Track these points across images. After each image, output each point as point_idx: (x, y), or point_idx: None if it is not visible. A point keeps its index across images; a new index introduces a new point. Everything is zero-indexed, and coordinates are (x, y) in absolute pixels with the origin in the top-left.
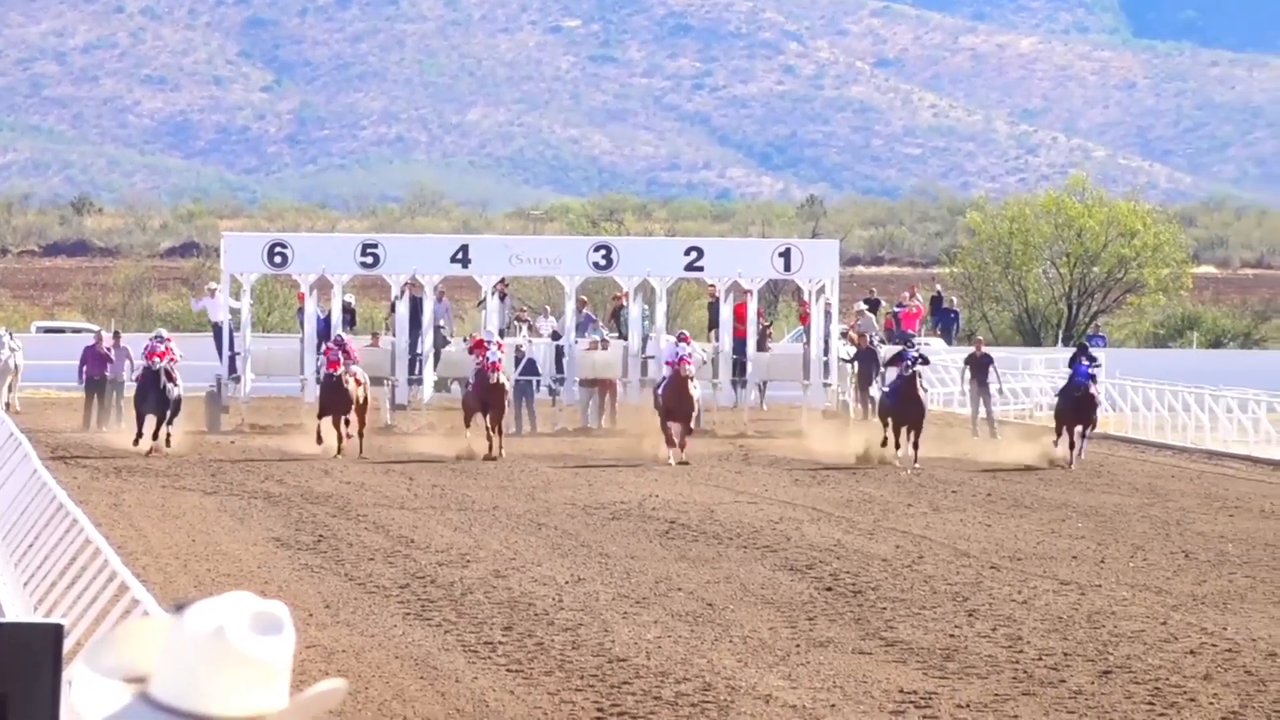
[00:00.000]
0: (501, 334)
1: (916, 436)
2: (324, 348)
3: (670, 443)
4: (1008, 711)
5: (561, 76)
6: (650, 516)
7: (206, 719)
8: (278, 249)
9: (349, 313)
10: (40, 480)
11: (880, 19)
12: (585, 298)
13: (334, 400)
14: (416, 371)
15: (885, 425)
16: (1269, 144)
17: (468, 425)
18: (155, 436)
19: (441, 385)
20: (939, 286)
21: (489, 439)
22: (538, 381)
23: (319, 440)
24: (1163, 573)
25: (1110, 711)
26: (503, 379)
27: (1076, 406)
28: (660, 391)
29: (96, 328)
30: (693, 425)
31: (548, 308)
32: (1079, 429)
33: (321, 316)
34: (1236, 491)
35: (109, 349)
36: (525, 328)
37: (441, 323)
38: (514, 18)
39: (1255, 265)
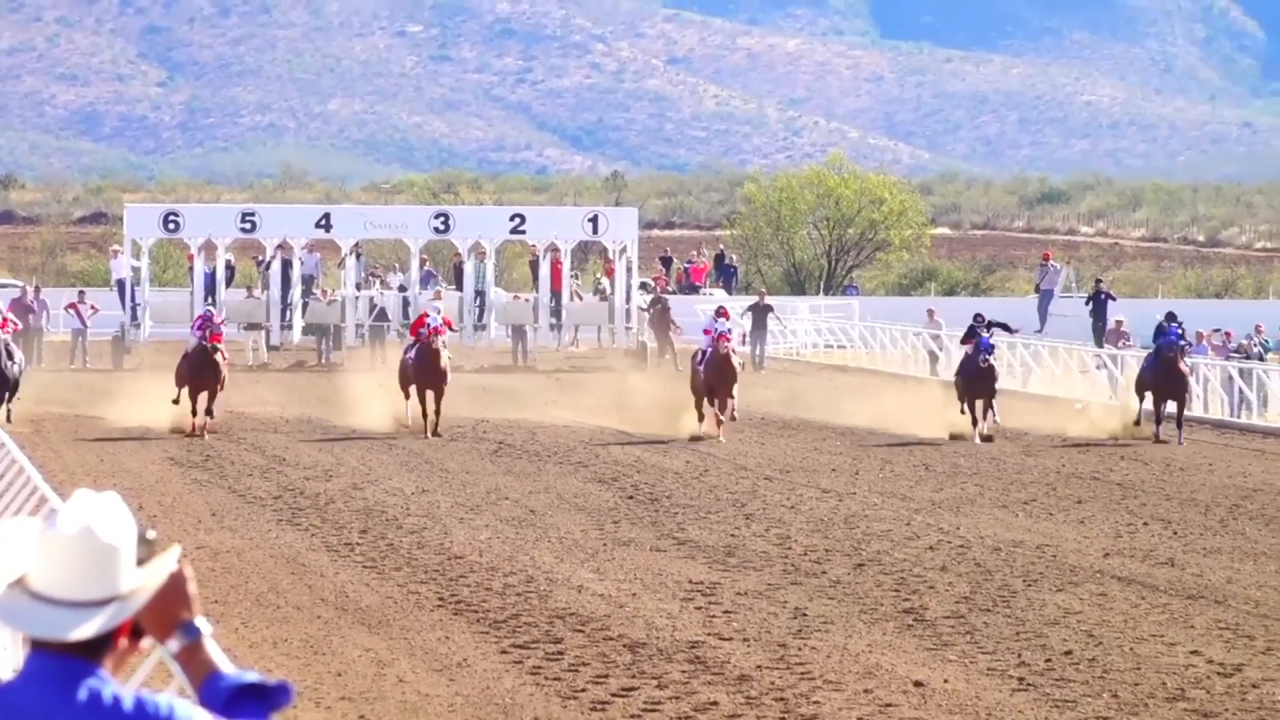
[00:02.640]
0: (358, 287)
1: (987, 408)
2: (198, 319)
3: (702, 418)
4: (778, 598)
5: (406, 73)
6: (482, 438)
7: (75, 602)
8: (171, 217)
9: (230, 270)
10: None
11: (671, 23)
12: (427, 257)
13: (201, 375)
14: (287, 319)
15: (961, 401)
16: (993, 126)
17: (406, 397)
18: None
19: (308, 330)
20: (721, 246)
21: (425, 414)
22: (388, 326)
23: (176, 401)
24: (906, 482)
25: (864, 598)
26: (445, 359)
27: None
28: (700, 366)
29: (20, 283)
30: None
31: (396, 265)
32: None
33: (208, 272)
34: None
35: (31, 301)
36: (378, 282)
37: (314, 273)
38: (366, 24)
39: (982, 227)
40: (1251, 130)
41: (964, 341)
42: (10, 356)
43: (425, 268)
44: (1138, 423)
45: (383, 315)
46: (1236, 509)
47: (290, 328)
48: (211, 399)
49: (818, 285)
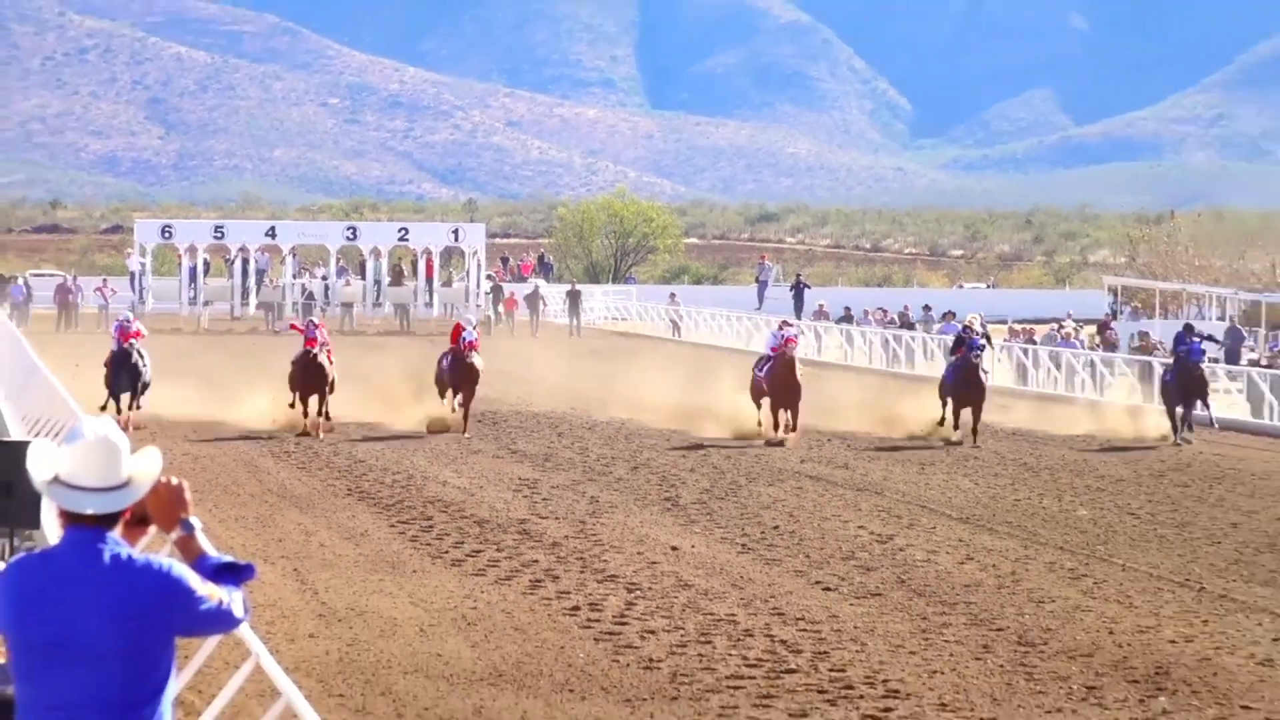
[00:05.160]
0: (294, 277)
1: (976, 416)
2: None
3: (776, 425)
4: (580, 490)
5: (328, 131)
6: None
7: (98, 488)
8: (166, 229)
9: (206, 265)
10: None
11: (509, 98)
12: (341, 257)
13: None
14: (245, 299)
15: (944, 404)
16: (728, 169)
17: (441, 397)
18: None
19: (260, 306)
20: (542, 250)
21: (457, 414)
22: (315, 304)
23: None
24: (668, 406)
25: (637, 490)
26: (477, 361)
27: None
28: (764, 374)
29: (63, 274)
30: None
31: (320, 262)
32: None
33: (190, 267)
34: (719, 363)
35: (71, 285)
36: (307, 274)
37: (264, 268)
38: (300, 97)
39: (720, 237)
40: (903, 173)
41: (954, 352)
42: (143, 359)
43: (340, 264)
44: (1174, 429)
45: (311, 296)
46: (891, 426)
47: (247, 304)
48: (322, 401)
49: (608, 277)
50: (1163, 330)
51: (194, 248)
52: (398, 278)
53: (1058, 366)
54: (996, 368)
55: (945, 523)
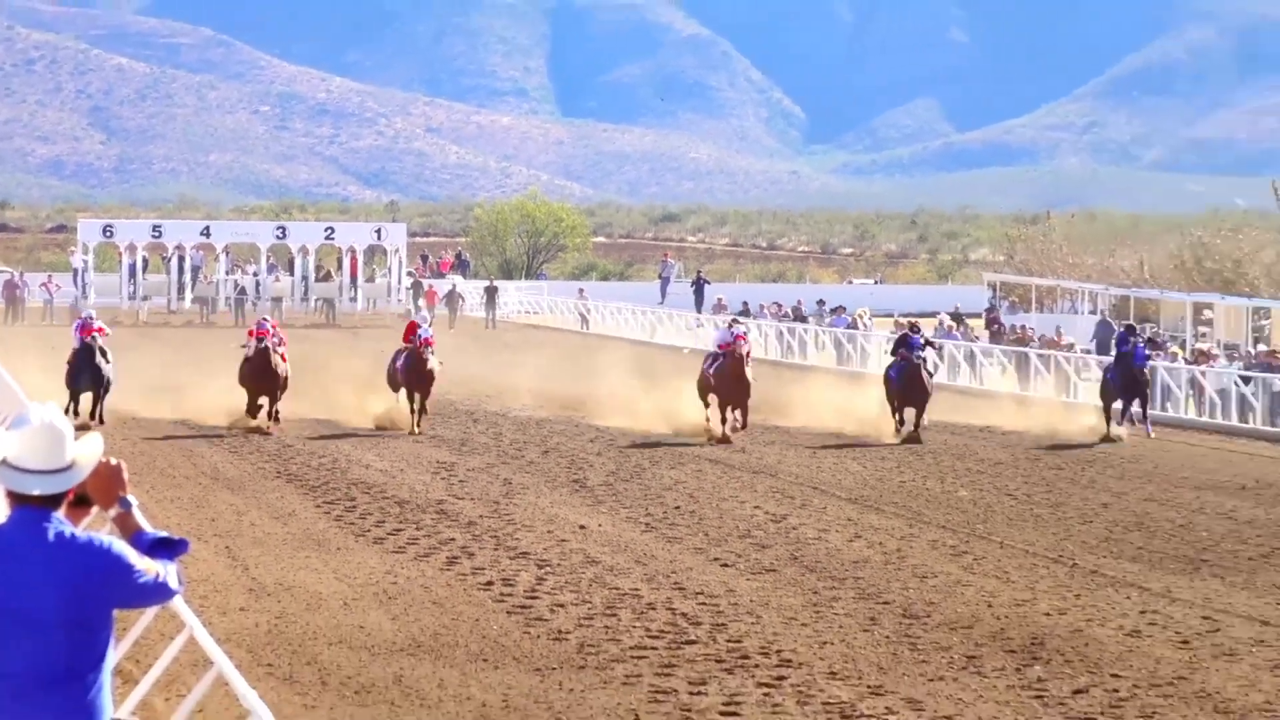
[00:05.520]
0: (227, 273)
1: (920, 413)
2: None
3: (724, 421)
4: (494, 473)
5: (259, 137)
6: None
7: (44, 470)
8: (108, 228)
9: (145, 262)
10: None
11: (429, 106)
12: (271, 254)
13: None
14: (181, 294)
15: (891, 405)
16: (633, 173)
17: (396, 394)
18: None
19: (195, 300)
20: (460, 248)
21: (413, 415)
22: (246, 298)
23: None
24: (578, 396)
25: (548, 472)
26: (433, 363)
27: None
28: (711, 373)
29: (10, 270)
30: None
31: (252, 259)
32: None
33: (130, 264)
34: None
35: (18, 281)
36: (240, 271)
37: (199, 265)
38: (234, 106)
39: (625, 237)
40: (797, 176)
41: (894, 352)
42: (105, 357)
43: (270, 261)
44: (1109, 427)
45: (243, 291)
46: (783, 413)
47: (183, 297)
48: (273, 402)
49: (521, 273)
50: (1039, 323)
51: (133, 246)
52: (324, 274)
53: (941, 357)
54: (883, 362)
55: (835, 503)
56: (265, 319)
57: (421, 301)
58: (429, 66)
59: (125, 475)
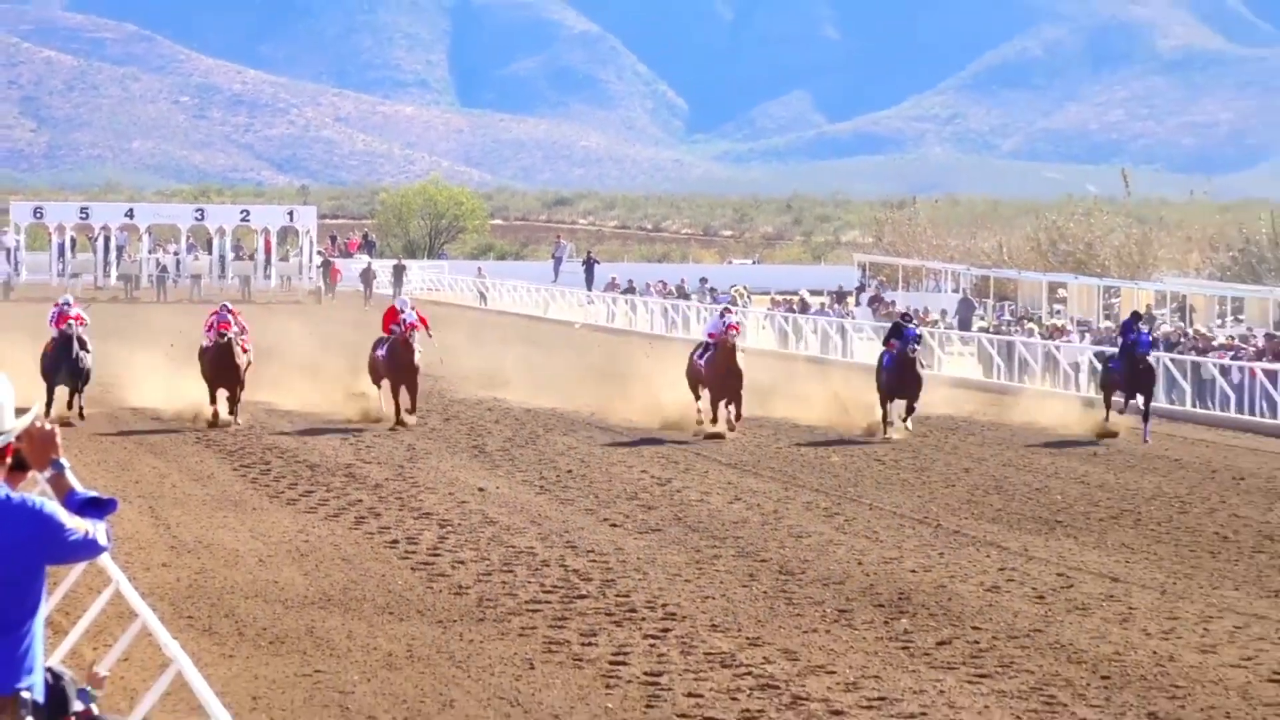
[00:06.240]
0: (150, 252)
1: (911, 405)
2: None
3: (711, 414)
4: (398, 438)
5: (179, 125)
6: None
7: None
8: (38, 210)
9: (73, 242)
10: None
11: (338, 97)
12: (191, 235)
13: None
14: (107, 271)
15: (880, 395)
16: (528, 159)
17: (377, 387)
18: None
19: (120, 278)
20: (367, 229)
21: (397, 407)
22: (173, 277)
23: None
24: (474, 366)
25: (449, 439)
26: (417, 346)
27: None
28: (703, 362)
29: None
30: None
31: (173, 239)
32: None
33: (60, 243)
34: (508, 325)
35: None
36: (161, 250)
37: (123, 244)
38: (156, 96)
39: (521, 219)
40: (680, 163)
41: (886, 342)
42: (84, 347)
43: (189, 241)
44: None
45: (165, 269)
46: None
47: (109, 275)
48: (234, 398)
49: (424, 253)
50: (903, 300)
51: (62, 226)
52: (241, 253)
53: (814, 331)
54: (760, 334)
55: (716, 468)
56: (227, 307)
57: (329, 279)
58: (337, 60)
59: (58, 440)
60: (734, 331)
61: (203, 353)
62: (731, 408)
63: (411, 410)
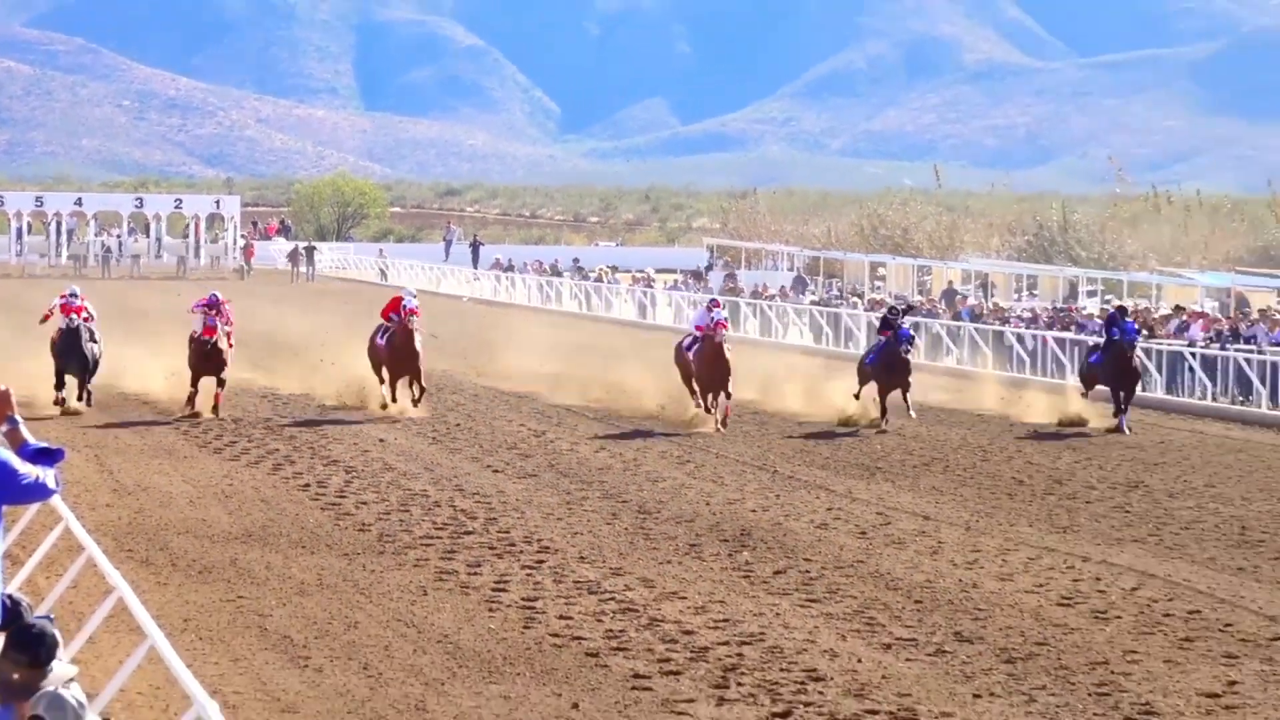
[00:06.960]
0: (96, 235)
1: (905, 395)
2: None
3: (703, 406)
4: (310, 397)
5: (121, 126)
6: (178, 315)
7: None
8: None
9: (29, 226)
10: None
11: (259, 101)
12: (131, 221)
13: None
14: (58, 252)
15: (861, 383)
16: (424, 156)
17: (378, 376)
18: None
19: (70, 258)
20: (284, 216)
21: (393, 394)
22: (112, 255)
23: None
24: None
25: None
26: (418, 334)
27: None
28: (691, 356)
29: None
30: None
31: (116, 224)
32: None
33: (17, 227)
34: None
35: None
36: (106, 233)
37: (73, 228)
38: (100, 101)
39: (417, 207)
40: (554, 159)
41: (881, 331)
42: (93, 338)
43: (130, 226)
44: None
45: (109, 250)
46: (572, 361)
47: (60, 256)
48: (219, 385)
49: (333, 236)
50: (747, 279)
51: (20, 213)
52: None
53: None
54: (623, 308)
55: (584, 422)
56: (216, 295)
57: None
58: (258, 69)
59: (13, 399)
60: (721, 329)
61: (191, 342)
62: (724, 401)
63: (418, 400)
